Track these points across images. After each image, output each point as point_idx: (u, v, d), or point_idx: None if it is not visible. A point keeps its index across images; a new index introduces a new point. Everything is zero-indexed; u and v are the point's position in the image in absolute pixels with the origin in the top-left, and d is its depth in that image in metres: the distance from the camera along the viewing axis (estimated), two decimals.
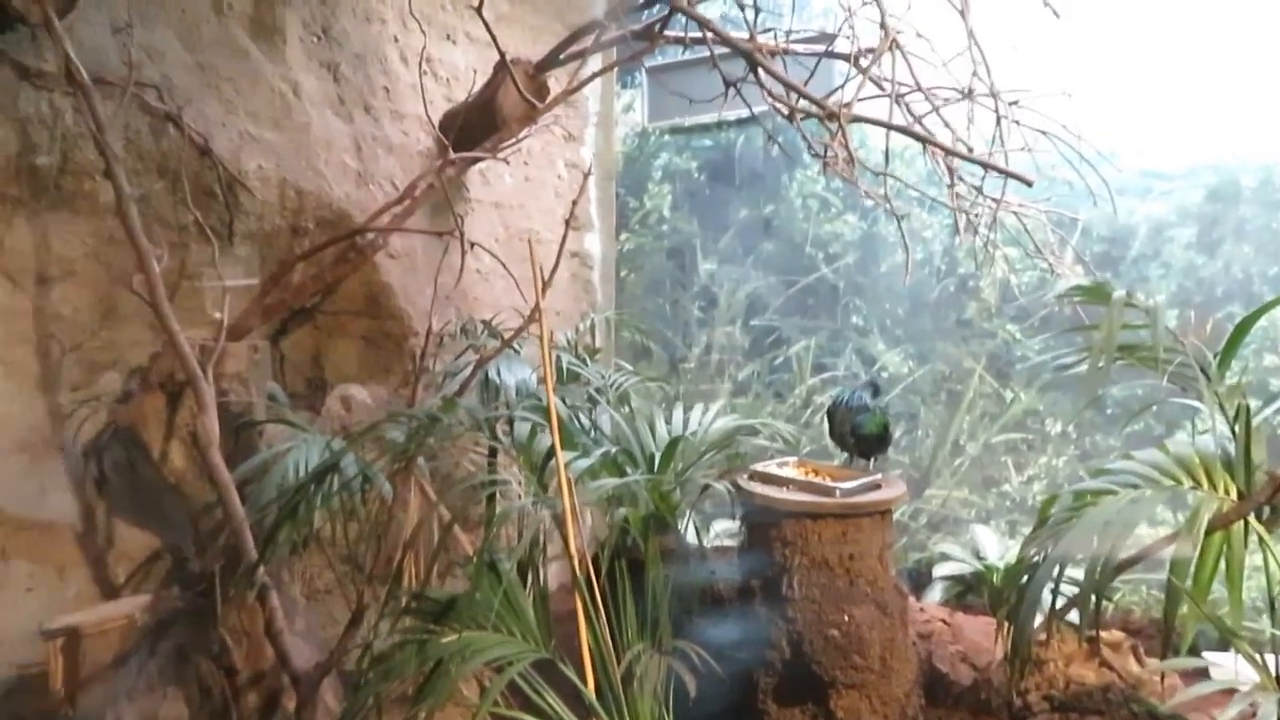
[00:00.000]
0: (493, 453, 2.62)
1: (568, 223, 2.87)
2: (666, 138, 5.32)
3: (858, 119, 1.91)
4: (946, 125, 2.49)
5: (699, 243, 5.24)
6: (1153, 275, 4.09)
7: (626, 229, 5.47)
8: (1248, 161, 3.90)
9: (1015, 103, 3.23)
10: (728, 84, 2.32)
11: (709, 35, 2.82)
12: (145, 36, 3.06)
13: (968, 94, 2.90)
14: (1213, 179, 3.98)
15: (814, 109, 2.08)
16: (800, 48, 3.62)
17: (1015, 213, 3.27)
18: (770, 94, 2.17)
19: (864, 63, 3.19)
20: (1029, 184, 1.83)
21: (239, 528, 2.45)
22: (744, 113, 3.19)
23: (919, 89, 2.79)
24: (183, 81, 3.15)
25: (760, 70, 2.33)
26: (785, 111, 2.25)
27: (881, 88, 2.77)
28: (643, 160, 5.40)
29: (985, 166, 1.94)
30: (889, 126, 1.96)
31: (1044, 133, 3.25)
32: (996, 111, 3.00)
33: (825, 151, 2.28)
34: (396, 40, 4.11)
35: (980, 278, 4.43)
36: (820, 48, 3.64)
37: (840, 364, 4.80)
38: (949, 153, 2.16)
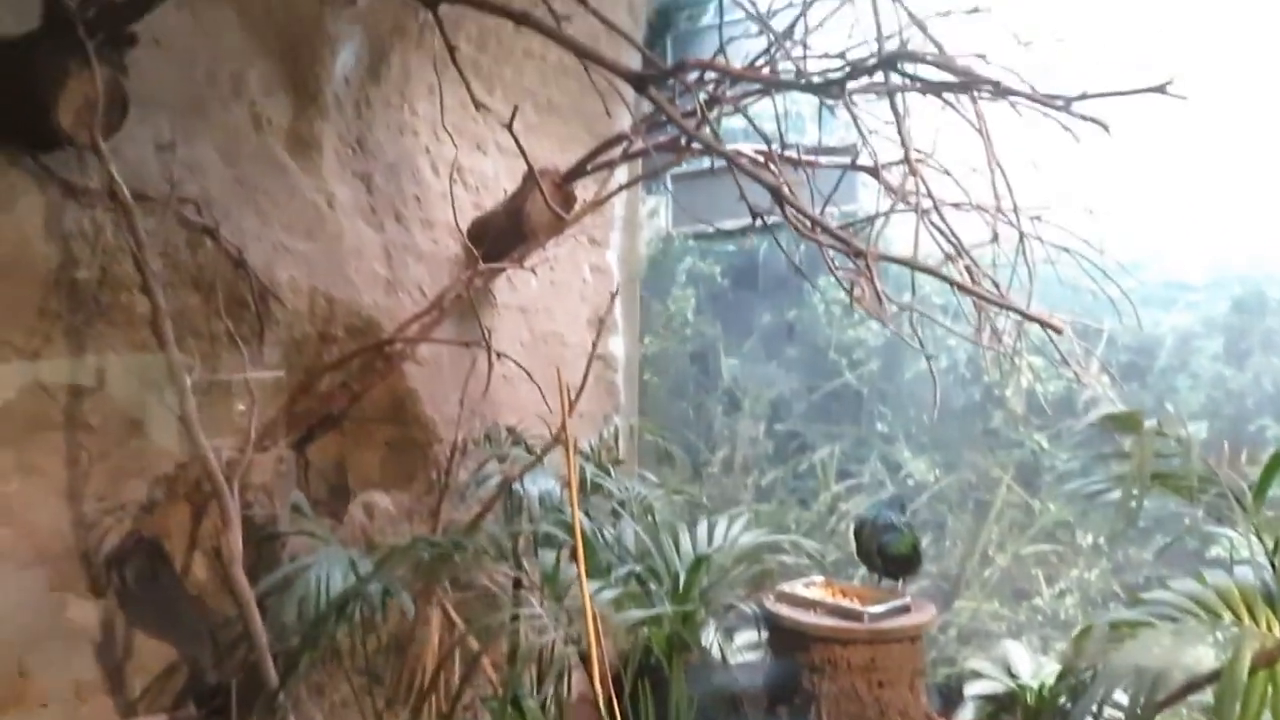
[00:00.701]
0: (517, 583, 2.60)
1: (598, 332, 2.91)
2: (691, 242, 5.40)
3: (885, 258, 1.94)
4: (965, 254, 2.52)
5: (722, 346, 5.27)
6: (1181, 387, 4.06)
7: (650, 331, 5.51)
8: (1273, 273, 3.91)
9: (1037, 218, 3.28)
10: (754, 214, 2.36)
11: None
12: (187, 152, 3.17)
13: (993, 211, 2.94)
14: (1238, 290, 3.98)
15: (840, 245, 2.11)
16: (824, 160, 3.71)
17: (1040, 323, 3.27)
18: (797, 228, 2.21)
19: (887, 175, 3.25)
20: (1059, 331, 1.84)
21: (259, 648, 2.43)
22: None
23: (940, 205, 2.83)
24: (221, 195, 3.24)
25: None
26: (812, 238, 2.29)
27: (907, 201, 2.82)
28: (667, 264, 5.47)
29: (1018, 313, 1.95)
30: (916, 267, 1.98)
31: (1066, 249, 3.29)
32: (1019, 230, 3.04)
33: (852, 288, 2.31)
34: (428, 151, 4.23)
35: (1005, 387, 4.42)
36: (844, 160, 3.72)
37: (865, 471, 4.76)
38: (979, 296, 2.18)
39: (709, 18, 5.20)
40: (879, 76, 1.94)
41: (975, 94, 2.03)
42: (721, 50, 3.10)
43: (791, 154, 3.37)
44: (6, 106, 2.56)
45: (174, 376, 2.70)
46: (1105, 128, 1.94)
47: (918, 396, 4.66)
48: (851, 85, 1.81)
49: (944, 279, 1.94)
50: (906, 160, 2.21)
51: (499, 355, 3.39)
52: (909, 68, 1.74)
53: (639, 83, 1.63)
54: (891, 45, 1.92)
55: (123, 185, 2.66)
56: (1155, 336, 4.11)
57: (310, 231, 3.58)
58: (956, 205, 3.10)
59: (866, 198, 4.49)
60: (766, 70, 2.82)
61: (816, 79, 2.03)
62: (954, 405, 4.54)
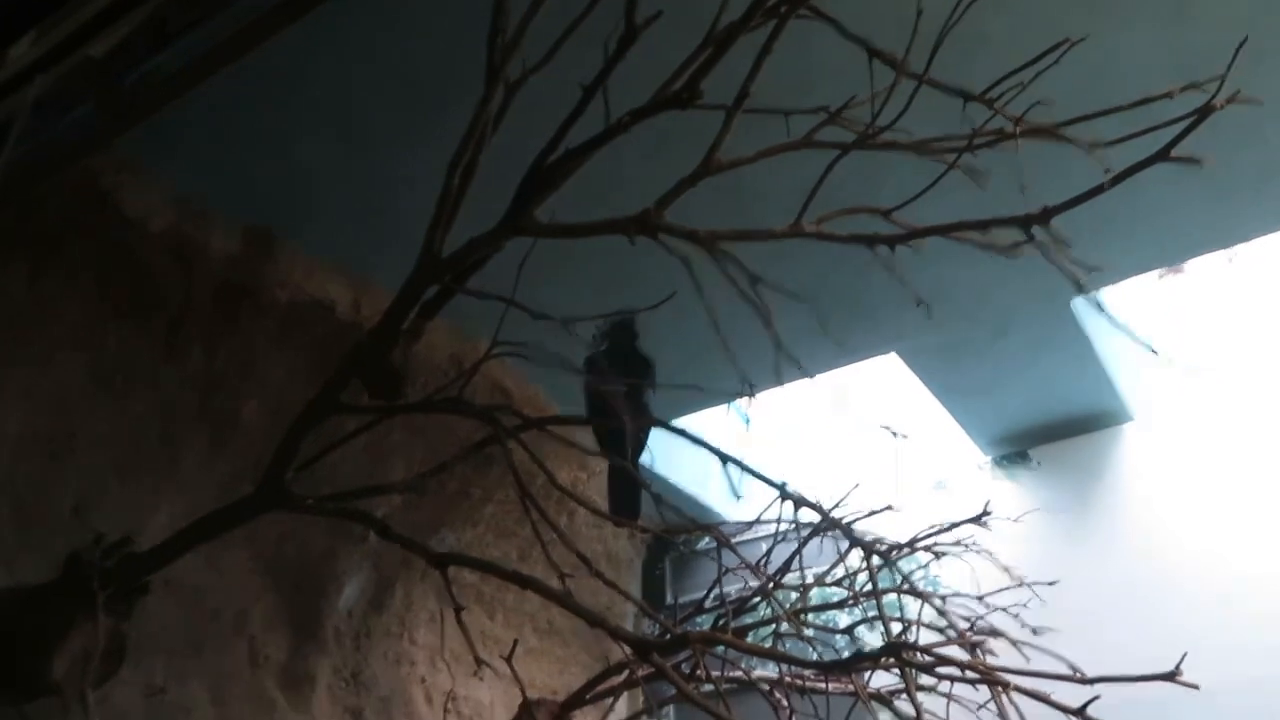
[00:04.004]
0: None
1: None
2: None
3: None
4: None
5: None
6: None
7: None
8: None
9: None
10: None
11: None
12: (177, 693, 3.11)
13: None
14: None
15: None
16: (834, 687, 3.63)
17: None
18: None
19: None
20: None
21: None
22: None
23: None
24: None
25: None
26: None
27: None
28: None
29: None
30: None
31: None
32: None
33: None
34: (424, 680, 4.16)
35: None
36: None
37: None
38: None
39: (706, 541, 5.44)
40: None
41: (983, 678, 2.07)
42: (718, 583, 3.21)
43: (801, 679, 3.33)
44: (3, 653, 2.57)
45: None
46: None
47: None
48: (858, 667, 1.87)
49: None
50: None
51: None
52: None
53: (644, 651, 1.67)
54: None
55: None
56: None
57: None
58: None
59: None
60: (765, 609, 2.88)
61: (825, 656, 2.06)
62: None
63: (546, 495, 2.59)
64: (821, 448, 5.18)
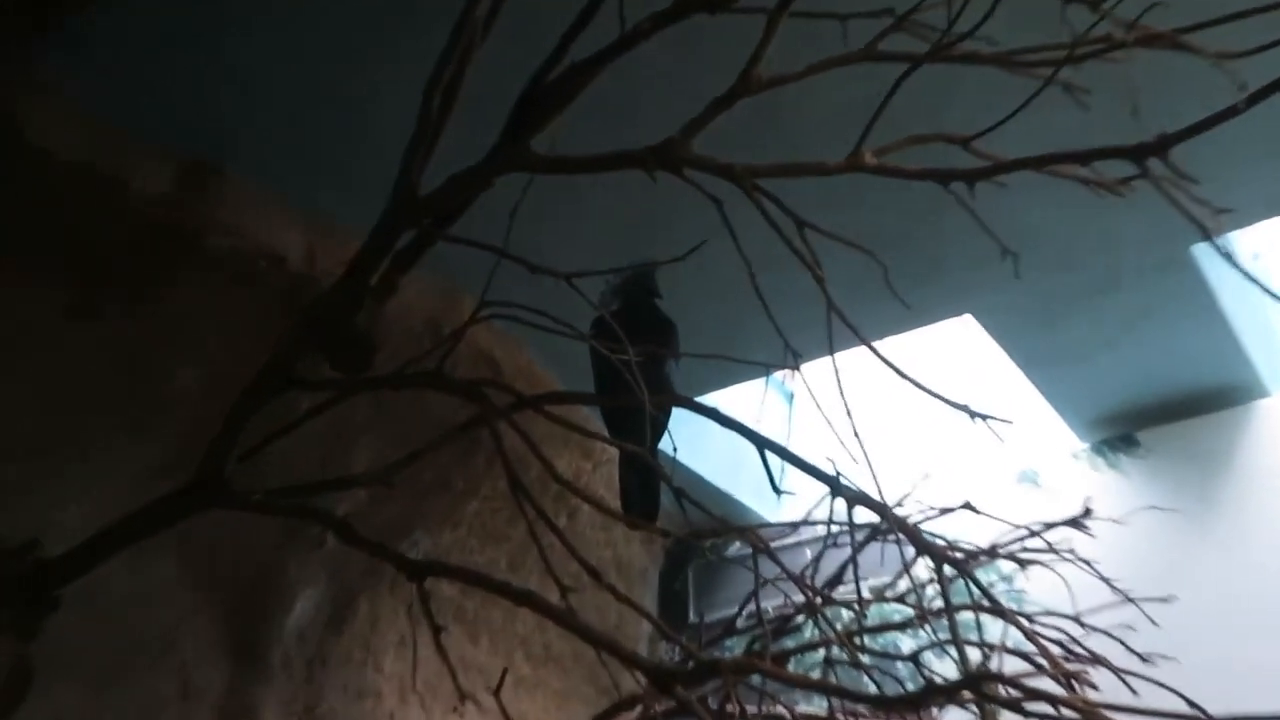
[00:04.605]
0: None
1: None
2: None
3: None
4: None
5: None
6: None
7: None
8: None
9: None
10: None
11: None
12: None
13: None
14: None
15: None
16: None
17: None
18: None
19: None
20: None
21: None
22: None
23: None
24: None
25: None
26: None
27: None
28: None
29: None
30: None
31: None
32: None
33: None
34: (392, 718, 4.23)
35: None
36: None
37: None
38: None
39: (740, 546, 5.48)
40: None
41: None
42: (755, 598, 3.26)
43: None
44: None
45: None
46: None
47: None
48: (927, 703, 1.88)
49: None
50: None
51: None
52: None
53: (663, 681, 1.70)
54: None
55: None
56: None
57: None
58: None
59: None
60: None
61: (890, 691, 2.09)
62: None
63: (543, 490, 2.62)
64: (881, 432, 5.21)
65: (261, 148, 3.18)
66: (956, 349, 4.96)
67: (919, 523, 3.03)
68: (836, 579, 3.40)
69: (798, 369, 2.10)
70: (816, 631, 3.72)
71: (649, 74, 2.22)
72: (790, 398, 5.48)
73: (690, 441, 5.16)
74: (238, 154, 3.19)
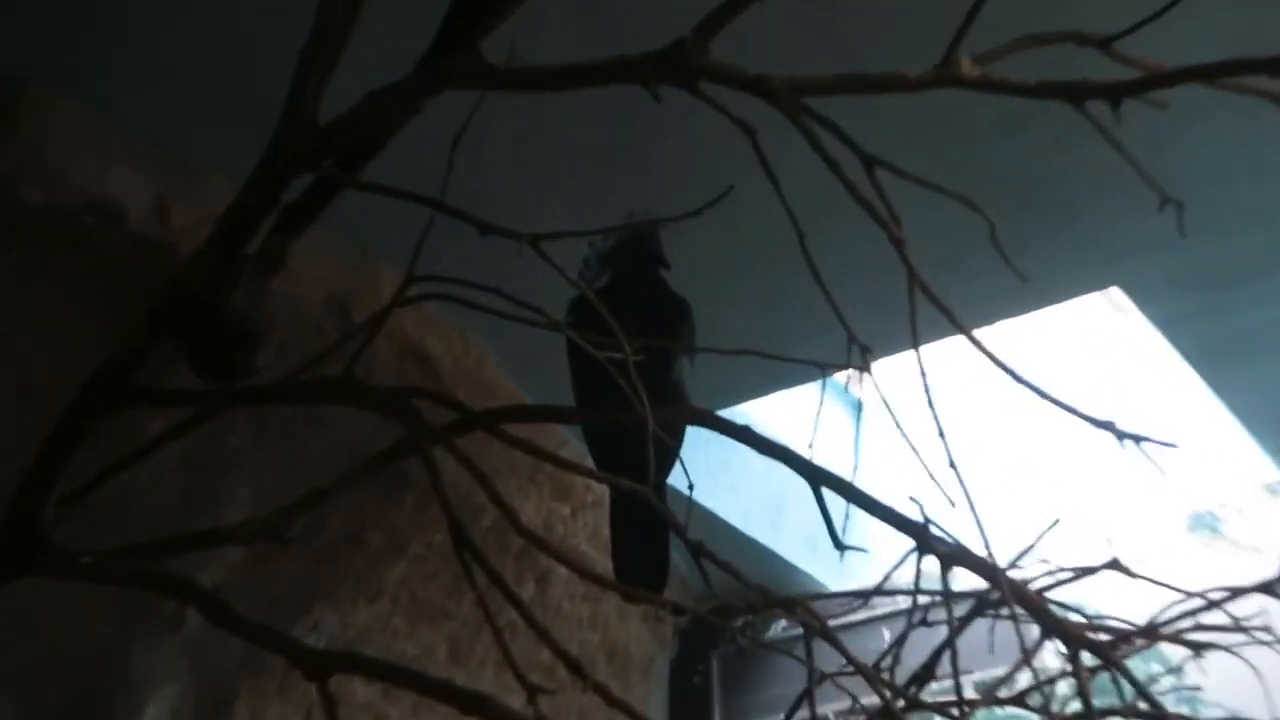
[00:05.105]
0: None
1: None
2: None
3: None
4: None
5: None
6: None
7: None
8: None
9: None
10: None
11: None
12: None
13: None
14: None
15: None
16: None
17: None
18: None
19: None
20: None
21: None
22: None
23: None
24: None
25: None
26: None
27: None
28: None
29: None
30: None
31: None
32: None
33: None
34: None
35: None
36: None
37: None
38: None
39: (785, 626, 5.50)
40: None
41: None
42: (808, 699, 3.26)
43: None
44: None
45: None
46: None
47: None
48: None
49: None
50: None
51: None
52: None
53: None
54: None
55: None
56: None
57: None
58: None
59: None
60: None
61: None
62: None
63: (502, 545, 2.62)
64: (991, 461, 5.22)
65: (89, 62, 3.19)
66: (1098, 339, 4.97)
67: (1045, 589, 3.02)
68: (927, 673, 3.39)
69: (868, 370, 2.09)
70: None
71: None
72: (857, 410, 5.49)
73: (713, 475, 5.17)
74: (56, 70, 3.19)
